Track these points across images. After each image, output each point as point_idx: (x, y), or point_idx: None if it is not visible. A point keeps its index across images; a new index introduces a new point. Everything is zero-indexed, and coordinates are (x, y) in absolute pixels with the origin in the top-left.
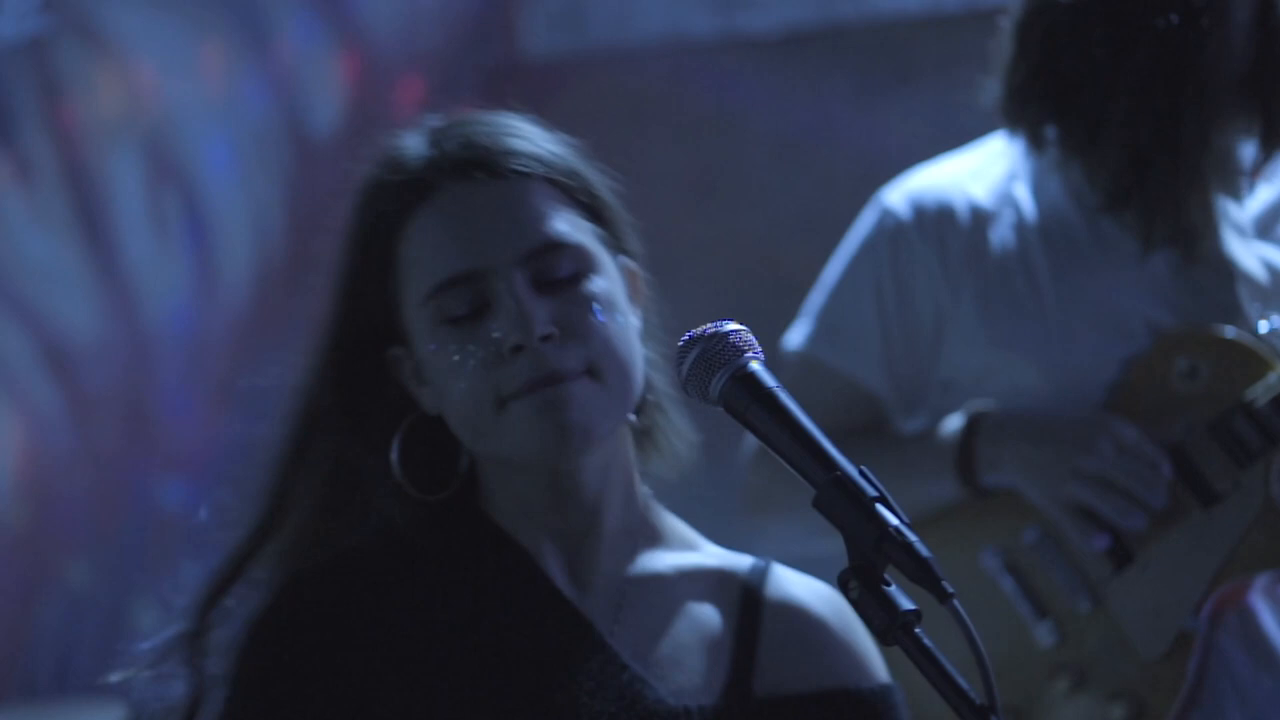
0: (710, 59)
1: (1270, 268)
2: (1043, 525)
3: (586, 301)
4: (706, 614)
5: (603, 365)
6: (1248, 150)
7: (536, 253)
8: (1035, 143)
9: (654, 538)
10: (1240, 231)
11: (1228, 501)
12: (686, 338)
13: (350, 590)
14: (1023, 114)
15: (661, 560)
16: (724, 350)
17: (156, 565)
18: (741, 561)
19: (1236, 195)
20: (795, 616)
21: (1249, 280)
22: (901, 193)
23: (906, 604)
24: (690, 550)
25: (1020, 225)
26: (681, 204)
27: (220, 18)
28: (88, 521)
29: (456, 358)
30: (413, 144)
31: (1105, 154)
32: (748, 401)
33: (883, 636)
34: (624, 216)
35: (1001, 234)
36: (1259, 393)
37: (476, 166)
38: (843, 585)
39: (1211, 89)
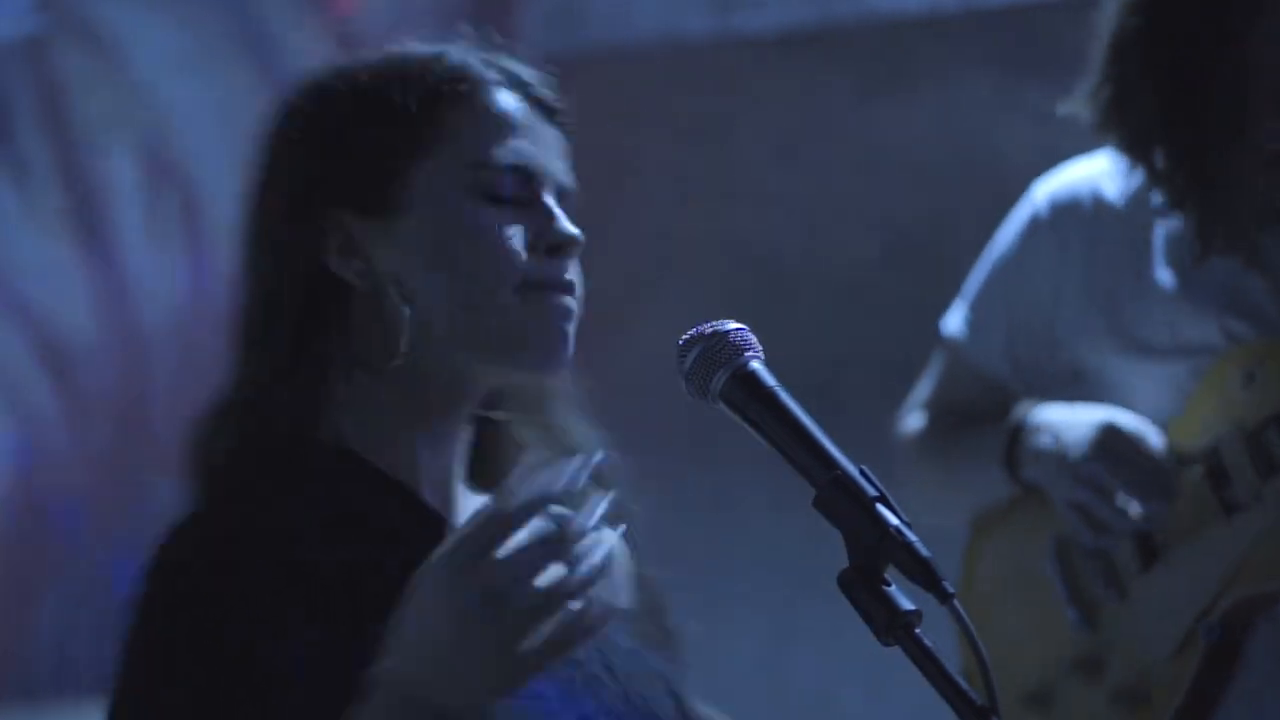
0: (707, 59)
1: None
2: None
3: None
4: None
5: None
6: None
7: (565, 192)
8: (1113, 147)
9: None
10: None
11: (1248, 511)
12: (687, 337)
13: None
14: (1098, 120)
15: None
16: (724, 349)
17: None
18: None
19: None
20: None
21: None
22: (1045, 184)
23: (906, 604)
24: None
25: (1143, 229)
26: (678, 203)
27: (217, 17)
28: (85, 521)
29: (500, 232)
30: (456, 50)
31: (1157, 161)
32: (748, 400)
33: (883, 636)
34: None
35: (1123, 235)
36: None
37: (538, 99)
38: (843, 585)
39: (1259, 94)
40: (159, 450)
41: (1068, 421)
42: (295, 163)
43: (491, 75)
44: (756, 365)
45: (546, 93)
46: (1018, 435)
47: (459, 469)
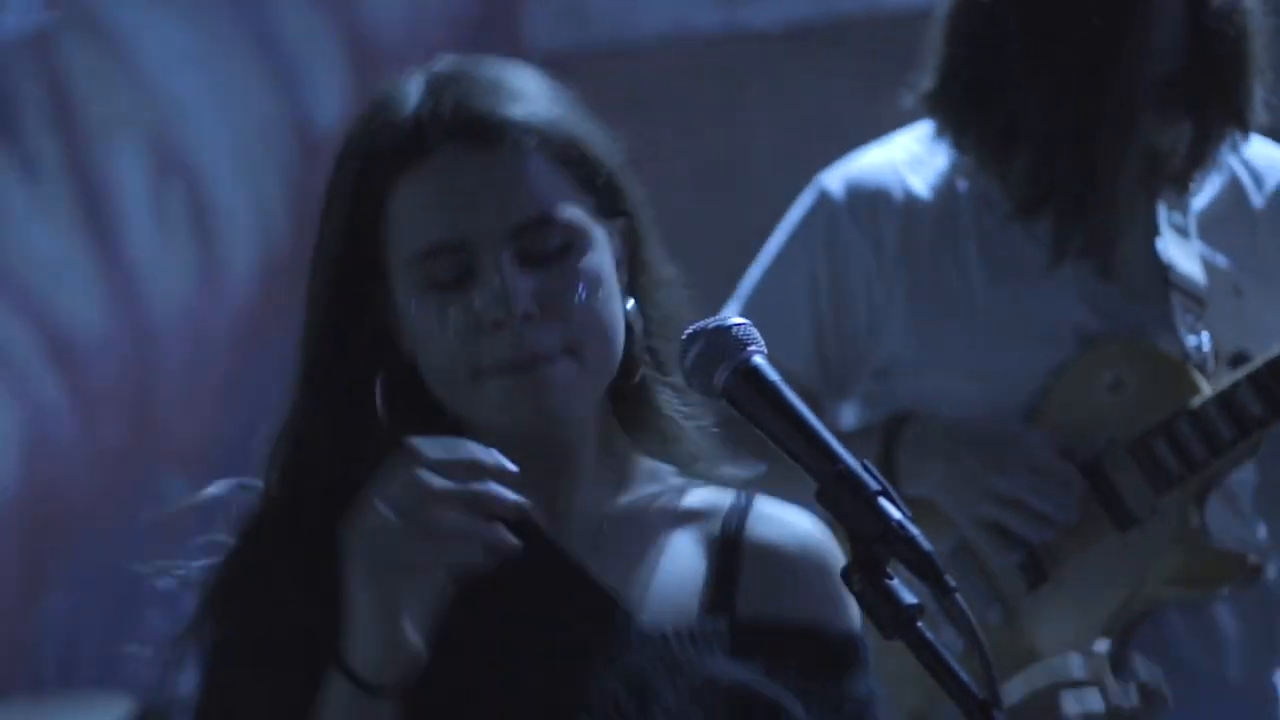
0: (714, 53)
1: (1210, 270)
2: (957, 538)
3: (573, 279)
4: (685, 550)
5: (584, 344)
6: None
7: (525, 227)
8: (956, 144)
9: (635, 477)
10: (1181, 232)
11: (1144, 526)
12: (690, 332)
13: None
14: (943, 115)
15: (642, 499)
16: (727, 344)
17: (161, 559)
18: (724, 498)
19: (1172, 196)
20: (772, 555)
21: (1185, 285)
22: (839, 175)
23: (909, 598)
24: (673, 489)
25: (956, 222)
26: (685, 198)
27: (224, 12)
28: (92, 515)
29: (437, 323)
30: (412, 94)
31: (1018, 159)
32: (750, 395)
33: (885, 630)
34: (622, 175)
35: (937, 229)
36: (1181, 415)
37: (472, 134)
38: (845, 579)
39: (1130, 92)
40: (167, 444)
41: (964, 433)
42: (334, 239)
43: (428, 135)
44: (759, 360)
45: (493, 114)
46: (892, 451)
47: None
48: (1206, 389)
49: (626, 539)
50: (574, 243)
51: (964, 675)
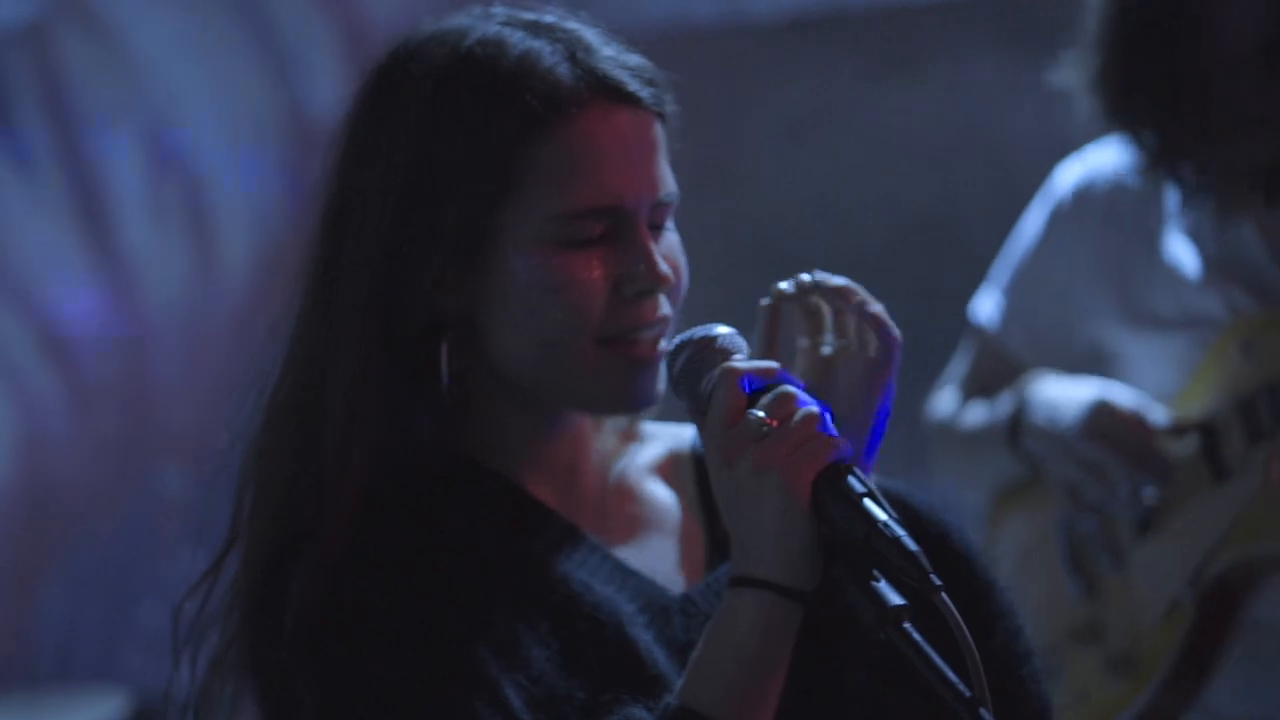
0: (716, 45)
1: None
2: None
3: (676, 255)
4: (666, 503)
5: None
6: None
7: (660, 202)
8: (1122, 132)
9: (620, 440)
10: None
11: (1236, 478)
12: (677, 342)
13: (397, 528)
14: (1106, 103)
15: (629, 463)
16: (713, 353)
17: (157, 553)
18: (683, 436)
19: None
20: None
21: None
22: (1068, 168)
23: (895, 599)
24: (644, 441)
25: (1158, 205)
26: (687, 189)
27: (220, 3)
28: (88, 510)
29: (575, 281)
30: (542, 50)
31: (1146, 115)
32: None
33: (874, 630)
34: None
35: (1137, 210)
36: None
37: (625, 96)
38: (834, 580)
39: (1220, 62)
40: (162, 438)
41: (1064, 398)
42: (383, 197)
43: (582, 93)
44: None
45: (644, 92)
46: (1020, 410)
47: (584, 455)
48: None
49: (628, 507)
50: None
51: (951, 674)
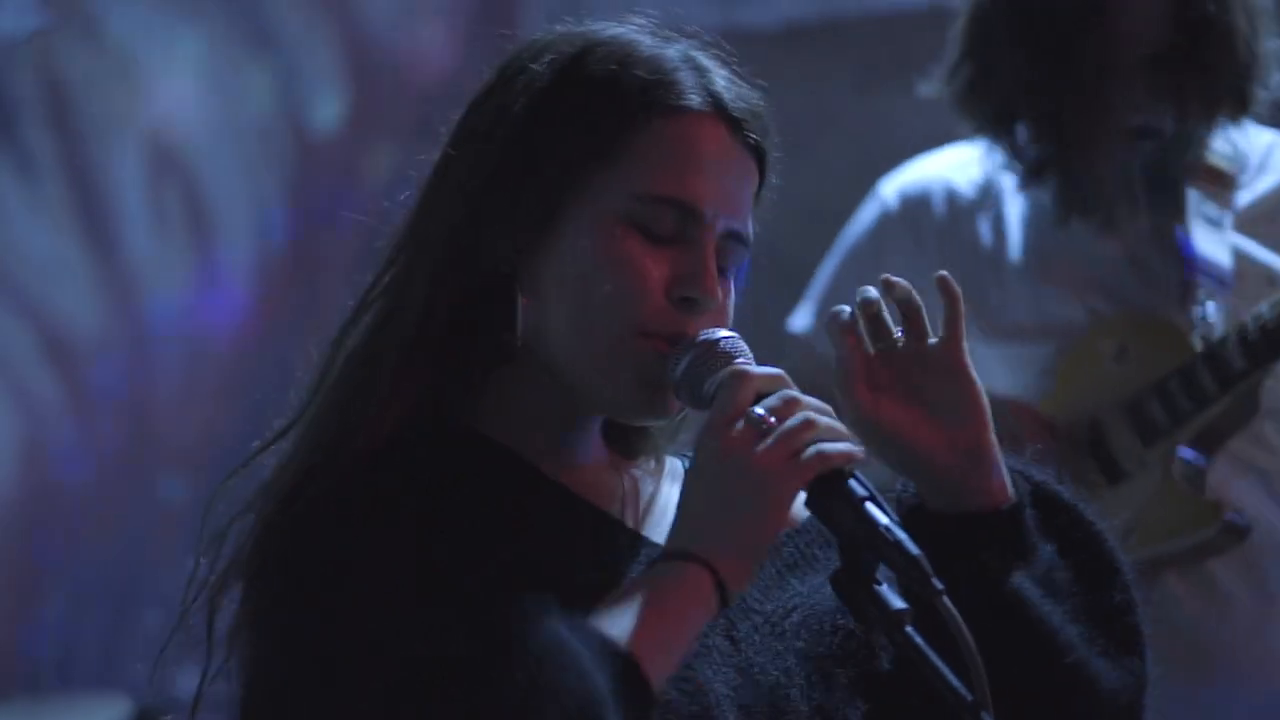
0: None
1: (1242, 258)
2: None
3: (728, 300)
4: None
5: None
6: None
7: (732, 235)
8: (975, 132)
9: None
10: (1213, 223)
11: (1132, 479)
12: (678, 345)
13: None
14: (958, 108)
15: (654, 494)
16: (715, 357)
17: (158, 561)
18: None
19: (1206, 188)
20: None
21: (1210, 270)
22: (893, 182)
23: (897, 603)
24: (673, 479)
25: (997, 217)
26: None
27: (221, 12)
28: (89, 516)
29: (635, 266)
30: (669, 50)
31: (1025, 129)
32: None
33: (876, 635)
34: None
35: (978, 224)
36: (1172, 373)
37: (734, 117)
38: (835, 585)
39: (1102, 68)
40: (164, 446)
41: None
42: (480, 157)
43: (696, 99)
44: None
45: (753, 128)
46: None
47: (595, 443)
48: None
49: (642, 489)
50: (738, 266)
51: (954, 679)
